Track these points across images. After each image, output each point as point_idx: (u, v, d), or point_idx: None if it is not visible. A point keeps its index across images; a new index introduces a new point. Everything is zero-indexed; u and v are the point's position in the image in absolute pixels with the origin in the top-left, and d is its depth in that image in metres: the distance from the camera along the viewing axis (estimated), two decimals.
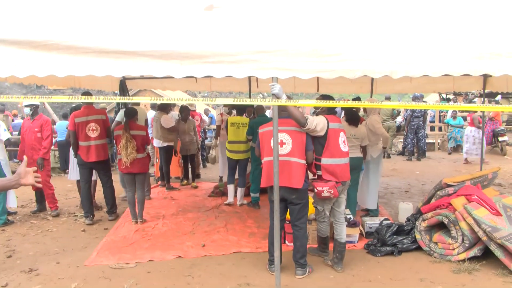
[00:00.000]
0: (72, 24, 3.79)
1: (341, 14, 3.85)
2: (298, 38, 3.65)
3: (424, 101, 13.10)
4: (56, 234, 5.94)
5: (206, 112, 14.40)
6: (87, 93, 6.49)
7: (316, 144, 4.34)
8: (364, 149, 5.97)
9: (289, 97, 4.15)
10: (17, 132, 11.18)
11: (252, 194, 7.20)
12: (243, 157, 7.17)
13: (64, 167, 11.07)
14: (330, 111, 4.53)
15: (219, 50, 3.70)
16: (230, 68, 3.74)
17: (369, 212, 6.36)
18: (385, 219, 5.54)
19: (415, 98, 11.97)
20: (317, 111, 4.87)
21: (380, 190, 7.82)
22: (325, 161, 4.29)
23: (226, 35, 3.79)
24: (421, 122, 12.48)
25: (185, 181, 9.17)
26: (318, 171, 4.36)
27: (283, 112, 4.22)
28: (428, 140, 14.14)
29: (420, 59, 3.63)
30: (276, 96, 3.84)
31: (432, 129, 15.65)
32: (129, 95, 8.86)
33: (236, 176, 7.34)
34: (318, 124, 4.21)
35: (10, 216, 6.61)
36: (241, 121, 7.13)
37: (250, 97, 9.00)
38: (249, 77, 8.11)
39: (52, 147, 10.66)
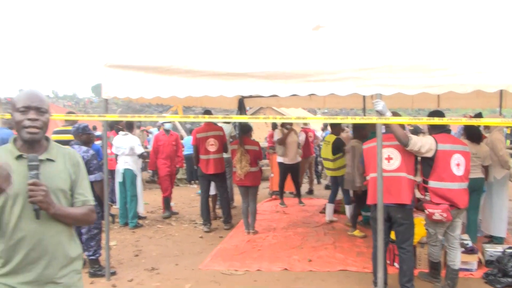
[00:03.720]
0: (190, 50, 4.28)
1: (446, 28, 3.69)
2: (402, 53, 3.60)
3: None
4: (177, 239, 6.56)
5: (323, 128, 14.44)
6: (208, 112, 7.09)
7: (424, 164, 4.13)
8: (486, 169, 5.49)
9: (395, 114, 4.07)
10: (150, 146, 12.53)
11: (363, 213, 7.04)
12: (342, 173, 6.99)
13: (190, 178, 12.10)
14: (440, 129, 4.18)
15: (322, 68, 3.82)
16: (333, 86, 3.83)
17: (492, 239, 5.77)
18: (510, 247, 4.98)
19: None
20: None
21: (509, 215, 7.02)
22: (433, 184, 4.05)
23: (329, 53, 3.90)
24: None
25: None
26: (426, 193, 4.14)
27: (389, 127, 4.12)
28: None
29: None
30: (380, 113, 3.79)
31: None
32: (245, 113, 9.38)
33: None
34: (423, 146, 3.96)
35: (140, 220, 7.46)
36: (330, 139, 7.14)
37: (364, 113, 8.86)
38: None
39: None
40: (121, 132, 7.29)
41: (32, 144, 2.02)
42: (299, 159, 8.83)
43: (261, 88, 4.02)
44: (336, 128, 7.24)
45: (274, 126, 10.54)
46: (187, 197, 10.06)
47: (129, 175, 7.10)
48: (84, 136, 5.12)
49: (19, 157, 1.99)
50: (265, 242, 6.21)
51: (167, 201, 8.02)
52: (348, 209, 7.12)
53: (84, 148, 4.97)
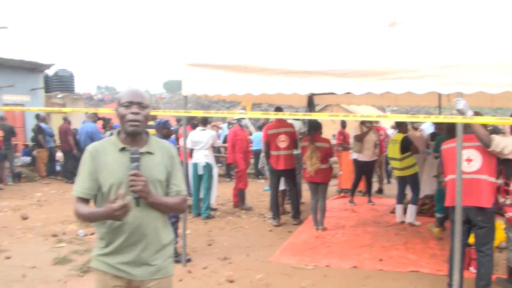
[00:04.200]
0: (265, 49, 4.42)
1: None
2: (484, 50, 3.48)
3: None
4: (248, 231, 6.79)
5: (394, 127, 14.05)
6: (278, 109, 7.23)
7: (506, 166, 3.96)
8: None
9: (477, 113, 3.93)
10: (220, 141, 12.94)
11: (437, 215, 6.81)
12: (410, 172, 6.84)
13: (257, 174, 12.34)
14: None
15: (399, 66, 3.79)
16: (410, 84, 3.78)
17: None
18: None
19: None
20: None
21: None
22: None
23: (407, 50, 3.86)
24: None
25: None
26: (507, 196, 3.97)
27: (470, 127, 3.99)
28: None
29: None
30: (460, 112, 3.68)
31: None
32: (315, 110, 9.40)
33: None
34: (506, 146, 3.79)
35: (212, 212, 7.78)
36: (397, 138, 6.95)
37: (440, 112, 8.54)
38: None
39: None
40: (198, 128, 7.59)
41: (134, 137, 2.24)
42: (375, 157, 8.73)
43: (336, 86, 4.06)
44: (403, 127, 7.05)
45: (344, 123, 10.48)
46: (255, 191, 10.28)
47: (208, 168, 7.44)
48: (165, 130, 5.48)
49: (122, 149, 2.23)
50: (334, 239, 6.24)
51: (243, 193, 8.34)
52: (410, 208, 6.92)
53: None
